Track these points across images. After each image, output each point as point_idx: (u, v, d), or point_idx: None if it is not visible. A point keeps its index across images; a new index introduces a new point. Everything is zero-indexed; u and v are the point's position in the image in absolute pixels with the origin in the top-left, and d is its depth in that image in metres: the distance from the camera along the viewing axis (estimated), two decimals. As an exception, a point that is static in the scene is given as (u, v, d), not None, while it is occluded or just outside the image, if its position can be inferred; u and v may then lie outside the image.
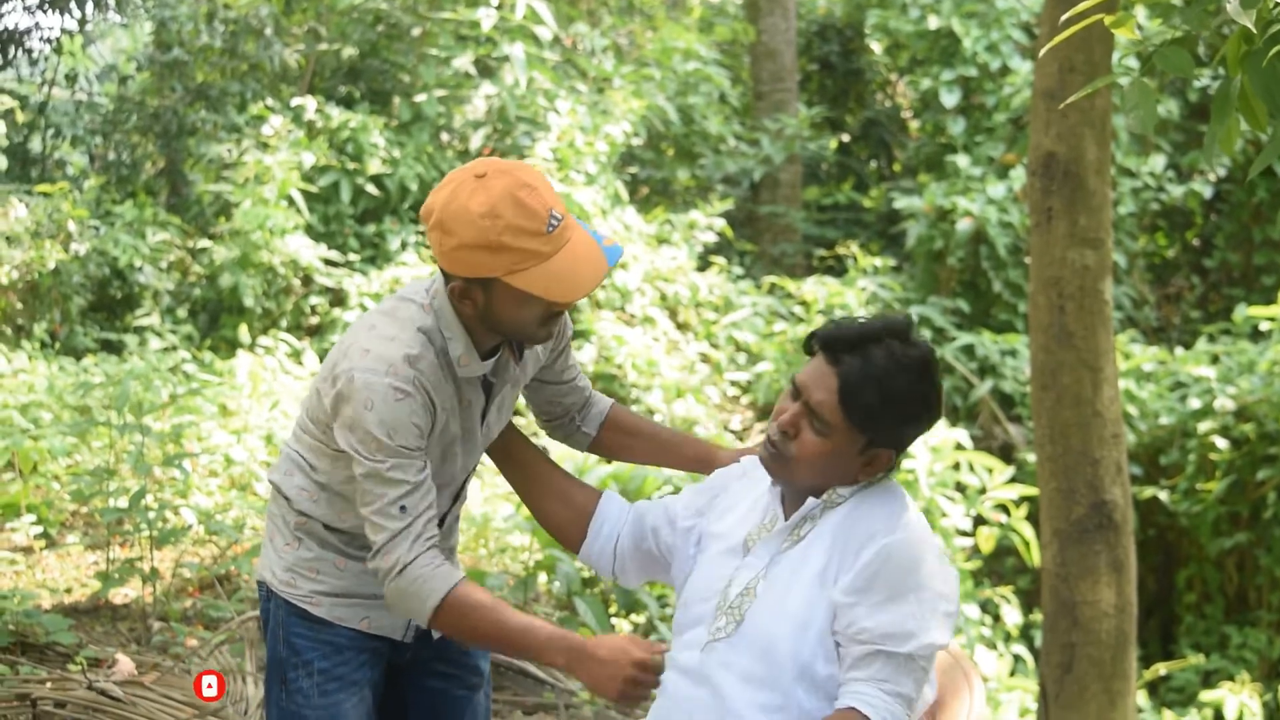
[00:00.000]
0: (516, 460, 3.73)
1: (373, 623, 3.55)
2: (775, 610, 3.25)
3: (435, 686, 3.74)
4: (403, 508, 3.26)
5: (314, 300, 12.35)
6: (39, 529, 7.85)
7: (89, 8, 11.85)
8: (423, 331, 3.32)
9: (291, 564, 3.52)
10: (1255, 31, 2.94)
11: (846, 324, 3.31)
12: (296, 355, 11.45)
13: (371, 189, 13.03)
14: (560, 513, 3.68)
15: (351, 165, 12.92)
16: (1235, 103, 3.13)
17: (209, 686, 5.06)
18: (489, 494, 9.64)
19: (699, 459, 3.80)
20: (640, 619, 8.13)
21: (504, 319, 3.31)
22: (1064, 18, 3.49)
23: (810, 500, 3.34)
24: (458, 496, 3.61)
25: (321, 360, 7.50)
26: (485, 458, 3.68)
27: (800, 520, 3.33)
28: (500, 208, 3.17)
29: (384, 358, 3.25)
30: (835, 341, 3.29)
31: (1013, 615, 10.14)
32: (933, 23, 16.09)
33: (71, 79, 14.30)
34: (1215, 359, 12.56)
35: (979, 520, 9.91)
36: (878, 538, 3.21)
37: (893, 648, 3.13)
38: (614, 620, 8.04)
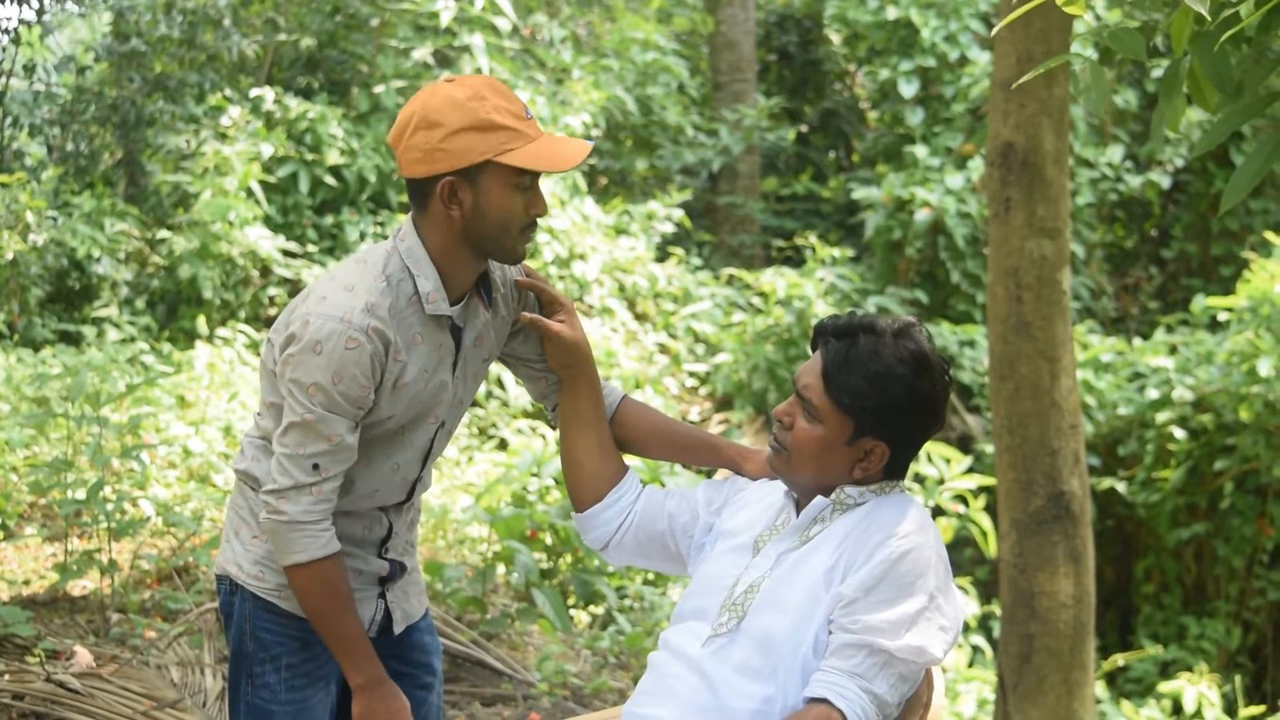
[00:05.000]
0: (580, 393, 3.64)
1: (339, 618, 3.53)
2: (777, 604, 3.26)
3: None
4: (316, 465, 3.29)
5: (272, 291, 12.31)
6: (-4, 521, 7.82)
7: (46, -2, 11.78)
8: (386, 275, 3.33)
9: (260, 557, 3.49)
10: (1209, 17, 2.94)
11: (842, 316, 3.38)
12: (255, 346, 11.42)
13: (330, 180, 13.00)
14: (591, 466, 3.64)
15: (310, 156, 12.90)
16: (1184, 83, 3.14)
17: None
18: (447, 485, 9.63)
19: (717, 457, 3.74)
20: (599, 610, 8.12)
21: (490, 217, 3.31)
22: (1017, -1, 3.49)
23: (819, 499, 3.35)
24: (426, 460, 3.57)
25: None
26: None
27: (810, 521, 3.35)
28: (484, 91, 3.30)
29: (340, 304, 3.26)
30: (826, 329, 3.36)
31: (970, 606, 10.16)
32: (891, 13, 16.14)
33: (29, 69, 14.18)
34: (1173, 349, 12.62)
35: (937, 511, 9.92)
36: (891, 541, 3.22)
37: (880, 641, 3.13)
38: (572, 611, 8.04)
